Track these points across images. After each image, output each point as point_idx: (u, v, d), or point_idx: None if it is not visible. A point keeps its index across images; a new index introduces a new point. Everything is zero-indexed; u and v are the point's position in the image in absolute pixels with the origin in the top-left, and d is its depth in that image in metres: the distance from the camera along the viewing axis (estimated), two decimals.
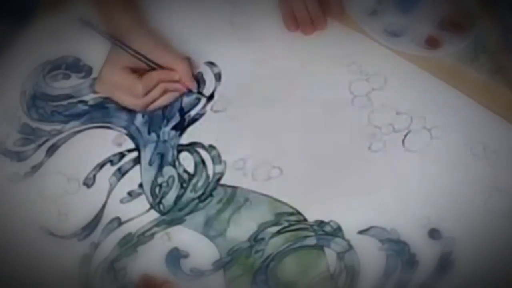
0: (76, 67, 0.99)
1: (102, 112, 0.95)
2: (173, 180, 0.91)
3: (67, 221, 0.90)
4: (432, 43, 0.96)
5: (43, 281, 0.88)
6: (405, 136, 0.91)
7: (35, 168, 0.93)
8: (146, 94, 0.91)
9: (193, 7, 1.01)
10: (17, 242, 0.90)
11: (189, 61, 0.94)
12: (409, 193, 0.88)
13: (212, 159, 0.92)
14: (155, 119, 0.94)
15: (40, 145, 0.94)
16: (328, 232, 0.86)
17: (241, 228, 0.88)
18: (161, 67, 0.92)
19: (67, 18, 1.01)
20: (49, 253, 0.89)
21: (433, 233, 0.85)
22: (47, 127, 0.95)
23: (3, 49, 1.00)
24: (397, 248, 0.85)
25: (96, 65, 0.97)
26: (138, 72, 0.92)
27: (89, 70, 0.98)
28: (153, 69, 0.92)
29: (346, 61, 0.96)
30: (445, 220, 0.86)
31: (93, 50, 0.98)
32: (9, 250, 0.90)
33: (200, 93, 0.95)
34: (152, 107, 0.94)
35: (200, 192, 0.90)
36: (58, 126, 0.95)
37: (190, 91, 0.94)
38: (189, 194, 0.90)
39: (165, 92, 0.93)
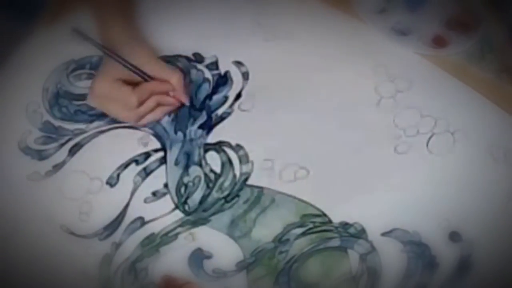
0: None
1: None
2: (199, 180, 0.89)
3: (89, 220, 0.89)
4: (438, 42, 0.96)
5: (62, 281, 0.87)
6: (429, 139, 0.90)
7: (57, 167, 0.92)
8: (139, 105, 0.90)
9: (220, 7, 1.00)
10: (37, 242, 0.89)
11: (181, 74, 0.92)
12: (431, 196, 0.87)
13: (239, 158, 0.90)
14: (181, 118, 0.93)
15: (62, 144, 0.93)
16: (352, 233, 0.86)
17: (267, 229, 0.87)
18: (153, 79, 0.90)
19: None
20: (69, 253, 0.88)
21: (454, 236, 0.85)
22: (70, 126, 0.94)
23: (27, 45, 0.99)
24: (418, 251, 0.84)
25: None
26: (131, 85, 0.90)
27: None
28: (145, 81, 0.90)
29: (372, 63, 0.95)
30: (465, 223, 0.85)
31: None
32: (28, 249, 0.89)
33: (193, 106, 0.93)
34: (144, 120, 0.92)
35: (226, 192, 0.89)
36: (82, 125, 0.94)
37: (183, 105, 0.93)
38: (215, 194, 0.89)
39: (158, 105, 0.91)
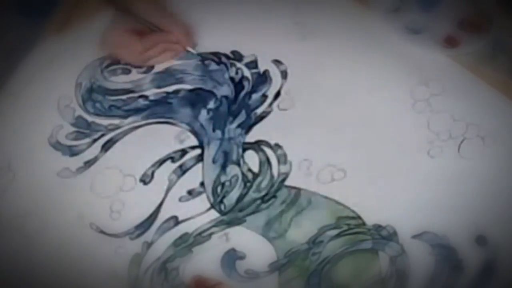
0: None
1: (164, 107, 0.92)
2: (237, 179, 0.88)
3: (120, 219, 0.88)
4: (450, 42, 0.95)
5: (90, 280, 0.86)
6: (461, 143, 0.89)
7: (89, 163, 0.90)
8: (145, 51, 0.93)
9: (258, 5, 0.98)
10: (64, 239, 0.88)
11: (183, 26, 0.95)
12: (461, 199, 0.87)
13: (278, 158, 0.88)
14: (220, 116, 0.91)
15: (95, 140, 0.91)
16: (384, 236, 0.85)
17: (301, 230, 0.86)
18: (160, 29, 0.94)
19: None
20: (98, 252, 0.87)
21: (480, 240, 0.85)
22: (104, 121, 0.92)
23: (60, 38, 0.97)
24: (446, 254, 0.84)
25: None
26: (140, 34, 0.93)
27: (150, 65, 0.95)
28: (153, 31, 0.94)
29: (407, 66, 0.94)
30: (492, 227, 0.85)
31: None
32: (55, 247, 0.87)
33: (199, 54, 0.95)
34: (151, 62, 0.95)
35: (263, 193, 0.87)
36: (116, 121, 0.92)
37: (187, 51, 0.94)
38: (252, 194, 0.87)
39: (164, 51, 0.95)
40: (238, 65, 0.93)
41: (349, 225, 0.85)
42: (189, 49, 0.94)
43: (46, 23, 0.99)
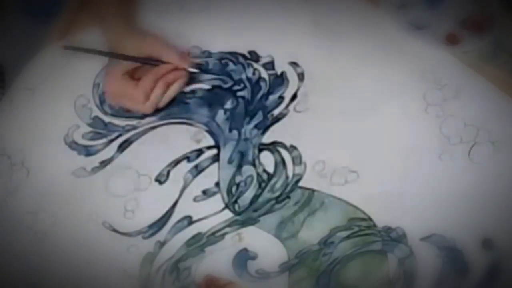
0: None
1: (181, 107, 0.92)
2: (252, 180, 0.87)
3: (134, 218, 0.87)
4: (451, 39, 0.95)
5: (101, 277, 0.86)
6: (471, 147, 0.89)
7: (104, 163, 0.90)
8: (148, 96, 0.89)
9: (276, 6, 0.98)
10: (76, 237, 0.88)
11: (174, 48, 0.91)
12: (470, 203, 0.87)
13: (293, 159, 0.88)
14: (237, 117, 0.91)
15: (111, 140, 0.91)
16: (393, 238, 0.85)
17: (313, 231, 0.85)
18: (155, 61, 0.90)
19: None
20: (110, 250, 0.86)
21: (486, 243, 0.85)
22: (121, 122, 0.92)
23: (78, 38, 0.98)
24: (453, 256, 0.84)
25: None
26: (138, 74, 0.90)
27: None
28: (150, 65, 0.89)
29: (421, 69, 0.93)
30: (498, 231, 0.85)
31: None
32: (67, 244, 0.87)
33: (199, 68, 0.92)
34: (162, 104, 0.91)
35: (277, 193, 0.86)
36: (134, 122, 0.92)
37: (190, 73, 0.91)
38: (266, 195, 0.87)
39: (168, 85, 0.90)
40: (255, 65, 0.93)
41: (360, 226, 0.85)
42: (191, 69, 0.91)
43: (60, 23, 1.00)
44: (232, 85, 0.92)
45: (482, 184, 0.87)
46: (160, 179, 0.88)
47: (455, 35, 0.95)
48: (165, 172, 0.88)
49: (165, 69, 0.90)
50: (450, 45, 0.94)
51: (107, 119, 0.92)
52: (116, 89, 0.90)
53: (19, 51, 1.03)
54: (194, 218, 0.86)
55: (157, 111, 0.91)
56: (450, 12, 0.96)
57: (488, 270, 0.83)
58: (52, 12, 1.03)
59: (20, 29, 1.07)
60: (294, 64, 0.94)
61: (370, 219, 0.85)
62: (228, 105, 0.91)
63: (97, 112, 0.93)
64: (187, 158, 0.89)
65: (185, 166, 0.89)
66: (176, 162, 0.89)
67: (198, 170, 0.88)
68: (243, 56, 0.94)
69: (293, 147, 0.88)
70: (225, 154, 0.89)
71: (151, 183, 0.88)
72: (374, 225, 0.85)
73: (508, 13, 0.96)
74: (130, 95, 0.89)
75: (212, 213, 0.86)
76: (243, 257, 0.84)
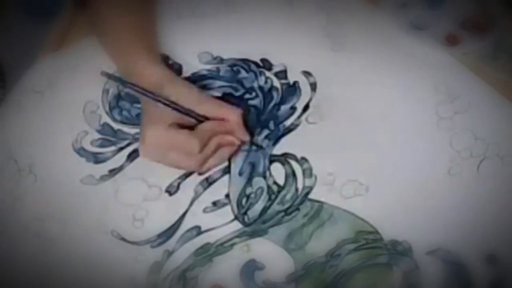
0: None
1: None
2: (262, 192, 0.87)
3: (142, 227, 0.87)
4: (451, 40, 0.94)
5: (108, 286, 0.85)
6: (480, 162, 0.88)
7: (114, 172, 0.89)
8: (201, 150, 0.82)
9: (290, 14, 0.97)
10: (83, 245, 0.87)
11: (239, 110, 0.87)
12: (476, 218, 0.86)
13: (303, 172, 0.87)
14: (248, 127, 0.89)
15: (121, 148, 0.90)
16: (399, 251, 0.84)
17: (321, 243, 0.85)
18: (208, 119, 0.84)
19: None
20: (117, 259, 0.86)
21: (491, 258, 0.84)
22: (131, 130, 0.91)
23: (88, 43, 0.97)
24: (457, 271, 0.83)
25: (187, 63, 0.93)
26: (186, 128, 0.84)
27: (179, 69, 0.93)
28: (200, 122, 0.84)
29: (434, 81, 0.92)
30: (503, 246, 0.84)
31: (182, 48, 0.94)
32: (74, 252, 0.87)
33: (253, 143, 0.89)
34: (206, 167, 0.86)
35: (287, 205, 0.86)
36: None
37: (243, 143, 0.88)
38: (276, 207, 0.86)
39: (218, 146, 0.85)
40: (268, 74, 0.92)
41: (367, 239, 0.85)
42: (245, 141, 0.88)
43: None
44: (244, 93, 0.91)
45: (488, 199, 0.86)
46: (170, 191, 0.87)
47: (455, 36, 0.94)
48: (175, 184, 0.87)
49: (224, 128, 0.85)
50: (449, 45, 0.94)
51: (116, 126, 0.91)
52: (161, 141, 0.82)
53: (20, 50, 1.03)
54: (203, 229, 0.85)
55: None
56: (451, 13, 0.95)
57: (491, 286, 0.83)
58: (53, 12, 1.02)
59: (20, 29, 1.06)
60: (307, 73, 0.92)
61: (377, 232, 0.85)
62: None
63: (106, 119, 0.92)
64: None
65: (196, 178, 0.88)
66: (187, 175, 0.88)
67: (209, 182, 0.87)
68: (256, 63, 0.92)
69: (304, 159, 0.88)
70: (236, 166, 0.88)
71: (161, 194, 0.87)
72: (381, 238, 0.85)
73: (509, 14, 0.96)
74: (183, 145, 0.82)
75: (221, 224, 0.85)
76: (251, 267, 0.84)
